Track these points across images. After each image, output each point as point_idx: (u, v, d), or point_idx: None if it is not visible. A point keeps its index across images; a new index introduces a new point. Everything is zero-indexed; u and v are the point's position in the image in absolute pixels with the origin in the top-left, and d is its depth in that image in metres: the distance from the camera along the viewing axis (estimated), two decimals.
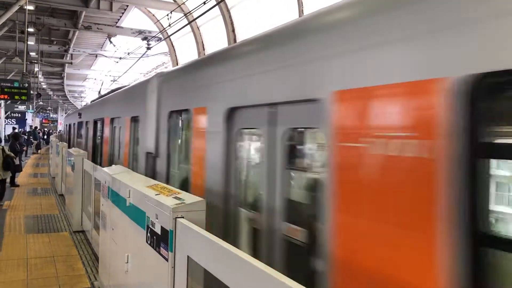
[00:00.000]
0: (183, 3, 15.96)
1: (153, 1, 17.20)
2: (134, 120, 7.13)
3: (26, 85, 15.63)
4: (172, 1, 16.67)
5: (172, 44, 22.14)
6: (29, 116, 48.11)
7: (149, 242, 3.23)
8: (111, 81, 24.35)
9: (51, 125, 57.48)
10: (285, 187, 3.11)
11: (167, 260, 2.84)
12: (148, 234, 3.25)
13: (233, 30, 15.91)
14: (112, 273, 4.53)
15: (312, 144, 3.08)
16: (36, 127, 42.59)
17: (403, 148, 1.99)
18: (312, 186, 3.01)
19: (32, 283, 5.49)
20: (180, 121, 5.28)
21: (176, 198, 3.05)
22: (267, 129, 3.26)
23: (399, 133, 2.04)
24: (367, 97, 2.23)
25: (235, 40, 15.61)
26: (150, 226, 3.21)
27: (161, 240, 2.98)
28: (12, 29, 17.54)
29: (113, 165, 6.24)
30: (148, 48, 18.76)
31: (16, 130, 26.17)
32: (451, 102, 1.81)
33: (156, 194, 3.27)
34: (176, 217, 2.79)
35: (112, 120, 9.23)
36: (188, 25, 15.60)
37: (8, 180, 11.81)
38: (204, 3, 10.84)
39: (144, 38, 18.70)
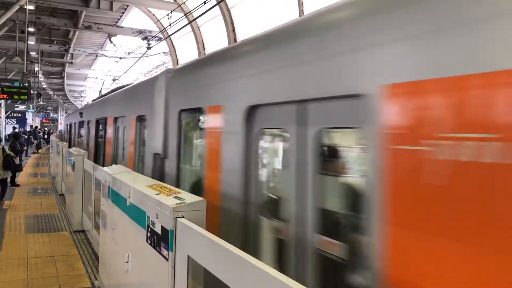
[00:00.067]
0: (183, 3, 15.96)
1: (153, 0, 17.19)
2: (140, 119, 6.78)
3: (27, 84, 15.64)
4: (172, 1, 16.67)
5: (172, 44, 22.14)
6: (29, 116, 48.13)
7: (149, 242, 3.23)
8: (112, 80, 24.33)
9: (51, 124, 57.51)
10: (318, 195, 2.72)
11: (167, 259, 2.84)
12: (149, 233, 3.26)
13: (234, 30, 15.90)
14: (113, 272, 4.54)
15: (352, 146, 2.72)
16: (36, 127, 42.63)
17: (482, 153, 1.65)
18: (352, 194, 2.67)
19: (32, 282, 5.50)
20: (191, 121, 4.99)
21: (176, 197, 3.05)
22: (296, 129, 2.89)
23: (477, 134, 1.68)
24: (431, 91, 1.89)
25: (235, 40, 15.61)
26: (151, 225, 3.21)
27: (161, 240, 2.98)
28: (13, 28, 17.55)
29: (114, 165, 6.23)
30: (149, 48, 18.77)
31: (17, 130, 26.22)
32: None
33: (156, 194, 3.27)
34: (176, 217, 2.79)
35: (115, 119, 8.81)
36: (189, 25, 15.60)
37: (8, 179, 11.81)
38: (204, 2, 10.84)
39: (145, 38, 18.71)
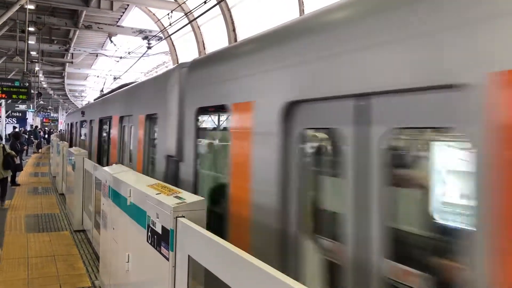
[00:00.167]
0: (184, 3, 15.96)
1: (153, 0, 17.20)
2: (150, 118, 6.23)
3: (27, 84, 15.65)
4: (173, 1, 16.66)
5: (172, 44, 22.15)
6: (29, 116, 48.17)
7: (149, 242, 3.23)
8: (114, 78, 24.31)
9: (52, 124, 57.55)
10: (387, 211, 2.19)
11: (168, 259, 2.84)
12: (149, 233, 3.25)
13: (234, 30, 15.90)
14: (113, 272, 4.54)
15: (439, 150, 2.19)
16: (36, 127, 42.63)
17: None
18: (439, 212, 2.19)
19: (32, 282, 5.50)
20: (212, 120, 4.58)
21: (176, 197, 3.05)
22: (353, 130, 2.37)
23: None
24: None
25: (235, 40, 15.61)
26: (151, 225, 3.21)
27: (161, 240, 2.98)
28: (13, 28, 17.54)
29: (114, 165, 6.23)
30: (149, 48, 18.78)
31: (17, 129, 26.23)
32: None
33: (156, 194, 3.27)
34: (176, 217, 2.79)
35: (121, 118, 8.27)
36: (189, 25, 15.59)
37: (9, 179, 11.81)
38: (205, 2, 10.83)
39: (145, 38, 18.72)
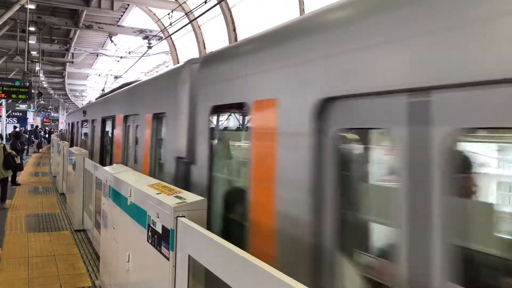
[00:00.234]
0: (184, 2, 15.97)
1: (154, 0, 17.21)
2: (157, 117, 5.87)
3: (28, 84, 15.66)
4: (173, 0, 16.67)
5: (173, 43, 22.17)
6: (30, 115, 48.22)
7: (150, 241, 3.23)
8: (115, 78, 24.33)
9: (52, 124, 57.64)
10: (453, 226, 1.87)
11: (168, 259, 2.84)
12: (149, 233, 3.26)
13: (234, 29, 15.91)
14: (113, 272, 4.54)
15: None
16: (37, 126, 42.67)
17: None
18: None
19: (33, 281, 5.50)
20: (228, 119, 4.24)
21: (177, 197, 3.05)
22: (408, 130, 2.02)
23: None
24: None
25: (236, 40, 15.61)
26: (151, 225, 3.21)
27: (162, 239, 2.98)
28: (13, 28, 17.56)
29: (115, 164, 6.23)
30: (149, 47, 18.79)
31: (17, 129, 26.26)
32: None
33: (157, 193, 3.27)
34: (177, 216, 2.79)
35: (126, 118, 7.87)
36: (189, 24, 15.60)
37: (9, 179, 11.82)
38: (205, 2, 10.84)
39: (145, 37, 18.74)
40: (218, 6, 12.93)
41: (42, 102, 44.49)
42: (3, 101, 30.31)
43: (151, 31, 19.77)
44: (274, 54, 3.06)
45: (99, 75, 24.71)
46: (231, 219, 3.82)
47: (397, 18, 2.06)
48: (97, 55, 27.29)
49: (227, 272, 2.16)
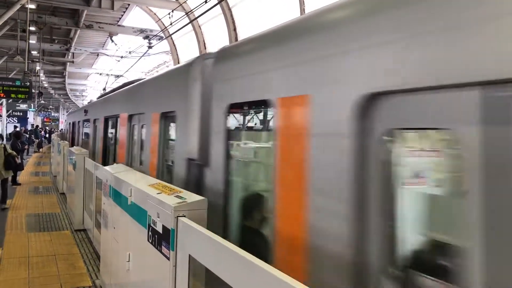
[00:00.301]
0: (185, 2, 15.97)
1: (154, 0, 17.22)
2: (166, 116, 5.53)
3: (28, 83, 15.67)
4: (174, 0, 16.68)
5: (173, 43, 22.18)
6: (30, 115, 48.26)
7: (150, 241, 3.23)
8: (116, 76, 24.33)
9: (53, 123, 57.70)
10: None
11: (168, 258, 2.84)
12: (150, 233, 3.26)
13: (235, 29, 15.92)
14: (114, 271, 4.54)
15: None
16: (37, 126, 42.71)
17: None
18: None
19: (33, 281, 5.50)
20: (249, 118, 3.90)
21: (177, 197, 3.05)
22: (482, 131, 1.69)
23: None
24: None
25: (236, 40, 15.62)
26: (152, 225, 3.21)
27: (162, 239, 2.98)
28: (14, 27, 17.57)
29: (115, 164, 6.23)
30: (150, 47, 18.80)
31: (18, 129, 26.27)
32: None
33: (157, 193, 3.27)
34: (177, 216, 2.79)
35: (130, 117, 7.47)
36: (190, 24, 15.61)
37: (9, 178, 11.82)
38: (206, 1, 10.84)
39: (146, 37, 18.75)
40: (218, 6, 12.94)
41: (42, 101, 44.53)
42: (4, 100, 30.34)
43: (151, 30, 19.78)
44: (306, 45, 2.67)
45: (101, 74, 24.67)
46: (251, 228, 3.51)
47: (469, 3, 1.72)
48: (98, 55, 27.30)
49: (227, 272, 2.16)
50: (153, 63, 28.72)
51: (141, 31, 19.83)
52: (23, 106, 39.91)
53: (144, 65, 28.23)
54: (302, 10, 12.17)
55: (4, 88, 15.21)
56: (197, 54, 18.32)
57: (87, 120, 13.90)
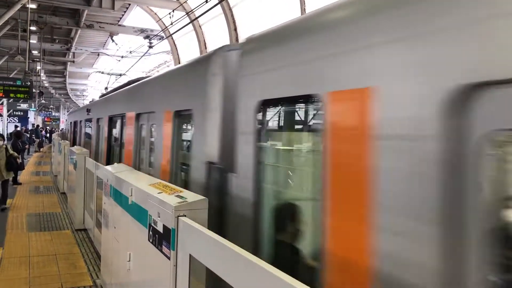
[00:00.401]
0: (185, 2, 15.98)
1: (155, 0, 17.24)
2: (180, 115, 5.05)
3: (29, 83, 15.68)
4: (174, 0, 16.68)
5: (174, 43, 22.19)
6: (31, 115, 48.30)
7: (151, 241, 3.23)
8: (119, 75, 24.35)
9: (53, 123, 57.73)
10: None
11: (169, 258, 2.85)
12: (150, 232, 3.26)
13: (235, 29, 15.92)
14: (114, 271, 4.54)
15: None
16: (38, 125, 42.75)
17: None
18: None
19: (34, 281, 5.51)
20: (284, 116, 3.40)
21: (178, 196, 3.05)
22: None
23: None
24: None
25: (237, 39, 15.62)
26: (152, 224, 3.21)
27: (163, 239, 2.98)
28: (15, 27, 17.58)
29: (116, 164, 6.23)
30: (150, 47, 18.79)
31: (18, 128, 26.28)
32: None
33: (158, 193, 3.27)
34: (178, 216, 2.79)
35: (138, 116, 6.97)
36: (190, 24, 15.61)
37: (10, 178, 11.83)
38: (206, 1, 10.84)
39: (146, 37, 18.74)
40: (219, 5, 12.94)
41: (43, 101, 44.54)
42: (4, 100, 30.37)
43: (152, 30, 19.79)
44: (369, 26, 2.15)
45: (102, 73, 24.65)
46: (290, 247, 3.07)
47: None
48: (98, 55, 27.33)
49: (228, 272, 2.16)
50: (153, 63, 28.74)
51: (142, 31, 19.85)
52: (24, 106, 39.96)
53: (144, 65, 28.24)
54: (303, 10, 12.17)
55: (5, 88, 15.22)
56: (198, 54, 18.30)
57: (90, 120, 13.57)
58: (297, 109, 3.26)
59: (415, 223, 1.79)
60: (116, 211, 4.50)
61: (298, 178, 3.32)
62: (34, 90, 20.69)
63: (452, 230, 1.67)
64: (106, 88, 23.77)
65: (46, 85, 38.37)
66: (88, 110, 14.27)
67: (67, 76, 35.61)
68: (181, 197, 3.02)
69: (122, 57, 23.21)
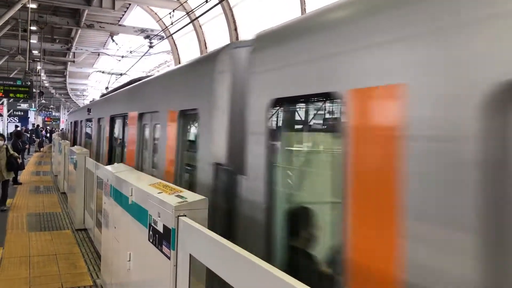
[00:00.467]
0: (186, 2, 15.97)
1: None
2: (185, 114, 4.88)
3: (29, 83, 15.69)
4: (175, 0, 16.68)
5: (174, 43, 22.20)
6: (31, 115, 48.33)
7: (151, 241, 3.23)
8: (120, 75, 24.37)
9: (54, 123, 57.77)
10: None
11: (169, 258, 2.85)
12: (151, 232, 3.26)
13: (236, 29, 15.92)
14: (114, 271, 4.54)
15: None
16: (38, 125, 42.77)
17: None
18: None
19: (34, 280, 5.51)
20: (300, 115, 3.17)
21: (178, 196, 3.05)
22: None
23: None
24: None
25: (237, 39, 15.62)
26: (153, 224, 3.21)
27: (163, 239, 2.98)
28: (15, 27, 17.59)
29: (116, 163, 6.22)
30: (151, 47, 18.79)
31: (19, 128, 26.29)
32: None
33: (158, 193, 3.27)
34: (178, 216, 2.79)
35: (141, 115, 6.80)
36: (190, 24, 15.61)
37: (10, 178, 11.82)
38: (206, 1, 10.83)
39: (147, 37, 18.74)
40: (219, 5, 12.93)
41: (43, 101, 44.55)
42: (5, 100, 30.38)
43: (152, 30, 19.80)
44: (405, 17, 1.92)
45: (103, 72, 24.64)
46: (306, 255, 2.88)
47: None
48: (99, 55, 27.34)
49: (228, 271, 2.16)
50: (154, 62, 28.74)
51: (142, 30, 19.85)
52: (24, 106, 39.97)
53: (145, 65, 28.25)
54: (303, 10, 12.16)
55: (5, 87, 15.23)
56: (198, 54, 18.31)
57: (91, 120, 13.37)
58: (313, 108, 3.03)
59: (452, 232, 1.61)
60: (116, 211, 4.50)
61: (315, 181, 3.11)
62: (34, 90, 20.68)
63: (494, 239, 1.50)
64: (106, 88, 23.72)
65: (46, 85, 38.37)
66: (89, 110, 14.07)
67: (67, 76, 35.63)
68: (181, 197, 3.02)
69: (123, 57, 23.21)
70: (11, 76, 23.45)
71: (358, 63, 2.16)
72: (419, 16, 1.84)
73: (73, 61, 27.40)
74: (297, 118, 3.18)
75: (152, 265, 3.27)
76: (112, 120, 9.42)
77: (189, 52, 20.38)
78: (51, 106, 58.94)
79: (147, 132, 6.55)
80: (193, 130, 4.89)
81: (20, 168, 11.82)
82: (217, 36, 17.58)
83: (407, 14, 1.90)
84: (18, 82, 15.55)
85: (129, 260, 3.82)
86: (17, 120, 42.95)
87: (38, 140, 31.46)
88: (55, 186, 13.89)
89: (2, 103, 32.52)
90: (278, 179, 3.00)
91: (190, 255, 2.61)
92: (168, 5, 16.68)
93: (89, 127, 13.89)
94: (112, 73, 24.12)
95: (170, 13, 14.63)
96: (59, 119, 60.30)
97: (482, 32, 1.57)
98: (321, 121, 2.97)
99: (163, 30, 17.57)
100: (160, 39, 18.35)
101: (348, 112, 2.19)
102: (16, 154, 10.88)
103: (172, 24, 14.17)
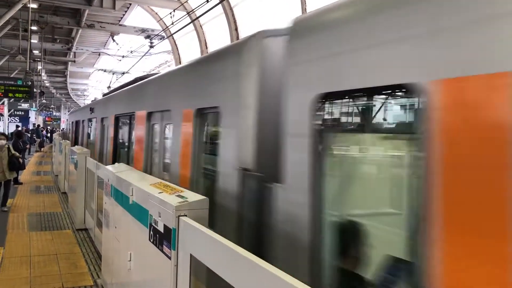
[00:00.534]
0: (186, 1, 15.98)
1: None
2: (203, 113, 4.44)
3: (29, 83, 15.70)
4: (175, 0, 16.69)
5: (175, 43, 22.20)
6: (32, 114, 48.37)
7: (152, 240, 3.23)
8: (122, 73, 24.36)
9: (54, 123, 57.80)
10: None
11: (170, 258, 2.85)
12: (151, 232, 3.26)
13: (236, 29, 15.93)
14: (115, 271, 4.55)
15: None
16: (39, 125, 42.81)
17: None
18: None
19: (35, 280, 5.51)
20: (361, 113, 2.60)
21: (179, 196, 3.05)
22: None
23: None
24: None
25: (237, 39, 15.62)
26: (153, 224, 3.21)
27: (164, 238, 2.98)
28: (16, 27, 17.62)
29: (116, 163, 6.22)
30: (151, 47, 18.80)
31: (19, 128, 26.32)
32: None
33: (159, 193, 3.27)
34: (179, 215, 2.79)
35: (150, 115, 6.32)
36: (191, 24, 15.62)
37: (12, 178, 11.83)
38: (207, 1, 10.84)
39: (147, 37, 18.75)
40: (220, 5, 12.93)
41: (44, 101, 44.59)
42: (5, 100, 30.40)
43: (153, 30, 19.81)
44: None
45: (105, 71, 24.64)
46: (362, 280, 2.44)
47: None
48: (99, 54, 27.36)
49: (228, 271, 2.16)
50: (154, 62, 28.76)
51: (143, 30, 19.87)
52: (25, 106, 40.02)
53: (145, 65, 28.26)
54: (304, 10, 12.16)
55: (6, 87, 15.24)
56: (199, 54, 18.29)
57: (93, 119, 12.95)
58: (377, 104, 2.47)
59: None
60: (116, 211, 4.50)
61: (380, 192, 2.62)
62: (35, 90, 20.71)
63: None
64: (108, 87, 23.70)
65: (47, 84, 38.41)
66: (92, 109, 13.56)
67: (68, 76, 35.66)
68: (181, 197, 3.02)
69: (123, 56, 23.22)
70: (11, 76, 23.49)
71: (451, 46, 1.69)
72: None
73: (74, 61, 27.44)
74: (356, 116, 2.65)
75: (152, 265, 3.27)
76: (117, 120, 8.95)
77: (190, 52, 20.38)
78: (52, 106, 59.07)
79: (157, 132, 6.10)
80: (212, 130, 4.42)
81: (21, 168, 11.82)
82: (218, 36, 17.59)
83: None
84: (19, 82, 15.57)
85: (130, 260, 3.82)
86: (18, 120, 42.96)
87: (38, 140, 31.49)
88: (56, 186, 13.90)
89: (3, 103, 32.56)
90: (328, 189, 2.50)
91: (191, 255, 2.61)
92: (169, 5, 16.70)
93: (93, 127, 13.45)
94: (114, 72, 24.11)
95: (170, 13, 14.63)
96: (59, 119, 60.34)
97: None
98: (387, 120, 2.49)
99: (163, 30, 17.58)
100: (160, 39, 18.36)
101: (432, 107, 1.75)
102: (17, 154, 10.90)
103: (172, 24, 14.17)
